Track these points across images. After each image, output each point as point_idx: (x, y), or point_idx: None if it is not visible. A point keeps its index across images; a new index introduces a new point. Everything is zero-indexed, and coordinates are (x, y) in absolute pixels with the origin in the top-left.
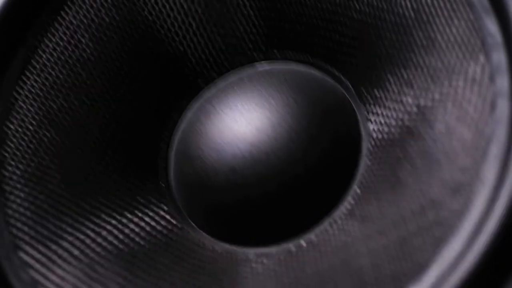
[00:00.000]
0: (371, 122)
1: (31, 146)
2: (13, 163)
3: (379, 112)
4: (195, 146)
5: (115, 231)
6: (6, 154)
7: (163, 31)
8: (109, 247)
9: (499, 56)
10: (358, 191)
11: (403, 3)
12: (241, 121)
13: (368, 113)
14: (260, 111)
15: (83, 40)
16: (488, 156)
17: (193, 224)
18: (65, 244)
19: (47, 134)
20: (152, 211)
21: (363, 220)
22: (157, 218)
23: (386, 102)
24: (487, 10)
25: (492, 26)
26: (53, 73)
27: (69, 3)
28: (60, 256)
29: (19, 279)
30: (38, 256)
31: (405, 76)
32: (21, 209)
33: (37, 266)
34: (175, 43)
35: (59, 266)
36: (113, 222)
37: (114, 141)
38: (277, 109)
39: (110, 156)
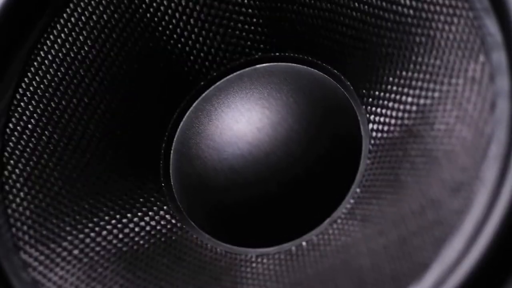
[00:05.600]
0: (371, 122)
1: (31, 145)
2: (13, 162)
3: (379, 111)
4: (195, 146)
5: (115, 231)
6: (6, 154)
7: (162, 30)
8: (109, 246)
9: (499, 56)
10: (358, 191)
11: (402, 1)
12: (241, 120)
13: (368, 112)
14: (260, 111)
15: (81, 39)
16: (488, 155)
17: (193, 224)
18: (65, 243)
19: (46, 133)
20: (152, 210)
21: (363, 220)
22: (157, 217)
23: (386, 101)
24: (487, 10)
25: (492, 26)
26: (51, 71)
27: (68, 2)
28: (60, 256)
29: (19, 279)
30: (38, 255)
31: (405, 75)
32: (21, 209)
33: (37, 265)
34: (174, 42)
35: (59, 266)
36: (113, 221)
37: (114, 141)
38: (277, 109)
39: (110, 156)
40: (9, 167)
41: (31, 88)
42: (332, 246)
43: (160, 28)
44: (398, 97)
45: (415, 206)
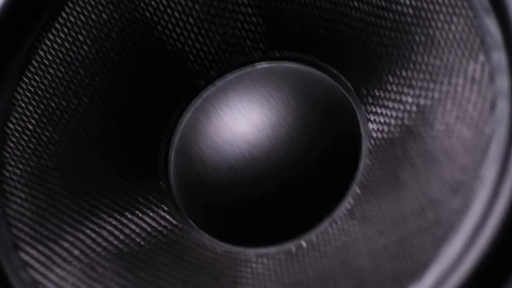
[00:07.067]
0: (371, 122)
1: (31, 145)
2: (13, 163)
3: (379, 111)
4: (195, 146)
5: (115, 231)
6: (6, 154)
7: (162, 30)
8: (109, 247)
9: (499, 55)
10: (358, 191)
11: (402, 1)
12: (241, 120)
13: (368, 112)
14: (260, 111)
15: (81, 39)
16: (488, 155)
17: (193, 224)
18: (65, 244)
19: (46, 133)
20: (152, 211)
21: (363, 220)
22: (157, 218)
23: (386, 101)
24: (487, 9)
25: (492, 25)
26: (51, 71)
27: (68, 2)
28: (60, 256)
29: (19, 279)
30: (38, 256)
31: (405, 75)
32: (21, 209)
33: (37, 266)
34: (174, 42)
35: (59, 266)
36: (113, 222)
37: (114, 141)
38: (277, 109)
39: (110, 156)
40: (9, 168)
41: (31, 88)
42: (332, 246)
43: (159, 28)
44: (398, 97)
45: (415, 206)
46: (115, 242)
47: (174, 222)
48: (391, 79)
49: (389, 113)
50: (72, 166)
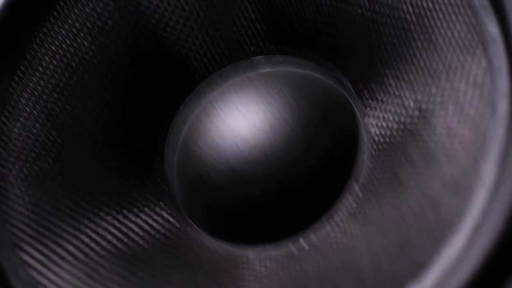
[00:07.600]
0: (372, 124)
1: (29, 145)
2: (12, 162)
3: (380, 113)
4: (195, 146)
5: (115, 231)
6: (5, 153)
7: (162, 29)
8: (109, 246)
9: (499, 57)
10: (359, 192)
11: (404, 8)
12: (241, 121)
13: (368, 114)
14: (260, 112)
15: (85, 43)
16: (488, 155)
17: (193, 224)
18: (65, 243)
19: (45, 132)
20: (152, 211)
21: (364, 222)
22: (157, 218)
23: (387, 103)
24: (487, 11)
25: (492, 27)
26: (55, 75)
27: (72, 5)
28: (60, 256)
29: (19, 279)
30: (38, 255)
31: (406, 77)
32: (21, 209)
33: (37, 266)
34: (174, 41)
35: (59, 266)
36: (113, 222)
37: (114, 141)
38: (277, 110)
39: (110, 156)
40: (10, 168)
41: (28, 89)
42: (334, 248)
43: (160, 28)
44: (398, 99)
45: (415, 206)
46: (115, 242)
47: (174, 222)
48: (391, 80)
49: (389, 115)
50: (71, 165)
